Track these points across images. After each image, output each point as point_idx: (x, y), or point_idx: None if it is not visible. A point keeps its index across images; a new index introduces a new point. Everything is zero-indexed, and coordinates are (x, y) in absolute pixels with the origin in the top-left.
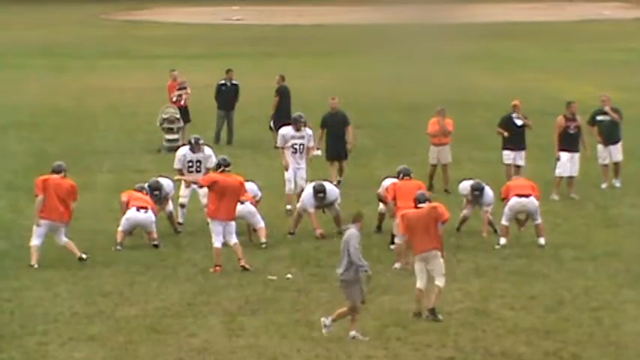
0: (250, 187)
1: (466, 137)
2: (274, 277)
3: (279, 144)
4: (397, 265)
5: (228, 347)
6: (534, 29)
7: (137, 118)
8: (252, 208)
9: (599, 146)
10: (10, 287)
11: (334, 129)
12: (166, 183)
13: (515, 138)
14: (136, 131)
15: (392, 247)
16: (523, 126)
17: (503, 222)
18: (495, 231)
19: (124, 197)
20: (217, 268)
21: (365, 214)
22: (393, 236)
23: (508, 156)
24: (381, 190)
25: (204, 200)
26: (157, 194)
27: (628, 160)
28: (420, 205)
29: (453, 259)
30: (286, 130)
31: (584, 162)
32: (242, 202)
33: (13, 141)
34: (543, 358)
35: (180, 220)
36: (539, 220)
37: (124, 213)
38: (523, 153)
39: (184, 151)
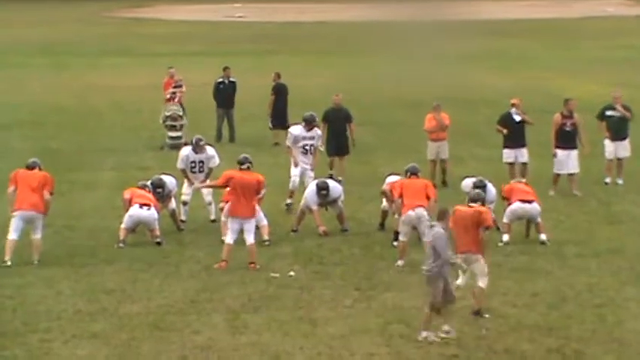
0: None
1: (469, 135)
2: (277, 275)
3: (288, 142)
4: (400, 263)
5: (231, 344)
6: (537, 27)
7: (139, 115)
8: (257, 207)
9: (607, 141)
10: (13, 284)
11: (336, 125)
12: (169, 180)
13: (514, 135)
14: (138, 129)
15: (395, 244)
16: (522, 122)
17: (505, 221)
18: (498, 228)
19: (126, 194)
20: (222, 263)
21: (367, 210)
22: (396, 233)
23: (508, 154)
24: (386, 187)
25: (207, 198)
26: (160, 192)
27: (632, 157)
28: (471, 205)
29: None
30: (298, 131)
31: (586, 159)
32: None
33: (16, 139)
34: (546, 355)
35: (183, 217)
36: (538, 220)
37: (127, 210)
38: (524, 150)
39: (187, 151)
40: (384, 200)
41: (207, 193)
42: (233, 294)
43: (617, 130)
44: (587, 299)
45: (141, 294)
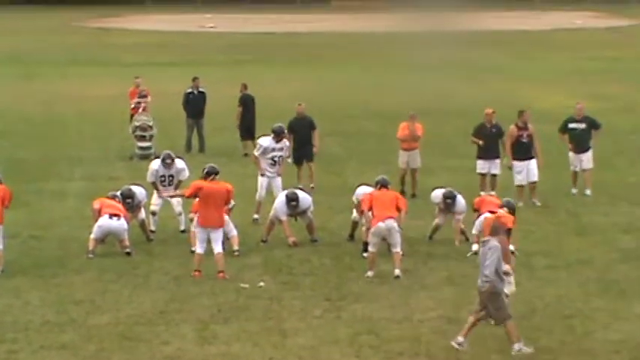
0: None
1: (439, 145)
2: (246, 285)
3: (256, 153)
4: (370, 273)
5: (200, 355)
6: (506, 38)
7: (108, 125)
8: (225, 217)
9: (570, 154)
10: None
11: (301, 134)
12: (139, 191)
13: (488, 147)
14: (108, 139)
15: (365, 255)
16: (497, 134)
17: (474, 232)
18: (467, 239)
19: (96, 205)
20: (196, 272)
21: (337, 221)
22: (365, 244)
23: (482, 166)
24: (354, 199)
25: (177, 208)
26: (130, 202)
27: (600, 168)
28: (499, 211)
29: (425, 268)
30: (267, 142)
31: (556, 170)
32: None
33: None
34: None
35: (153, 227)
36: None
37: (96, 220)
38: (497, 162)
39: (156, 165)
40: (354, 211)
41: (177, 204)
42: (202, 304)
43: (580, 142)
44: (556, 310)
45: (110, 305)
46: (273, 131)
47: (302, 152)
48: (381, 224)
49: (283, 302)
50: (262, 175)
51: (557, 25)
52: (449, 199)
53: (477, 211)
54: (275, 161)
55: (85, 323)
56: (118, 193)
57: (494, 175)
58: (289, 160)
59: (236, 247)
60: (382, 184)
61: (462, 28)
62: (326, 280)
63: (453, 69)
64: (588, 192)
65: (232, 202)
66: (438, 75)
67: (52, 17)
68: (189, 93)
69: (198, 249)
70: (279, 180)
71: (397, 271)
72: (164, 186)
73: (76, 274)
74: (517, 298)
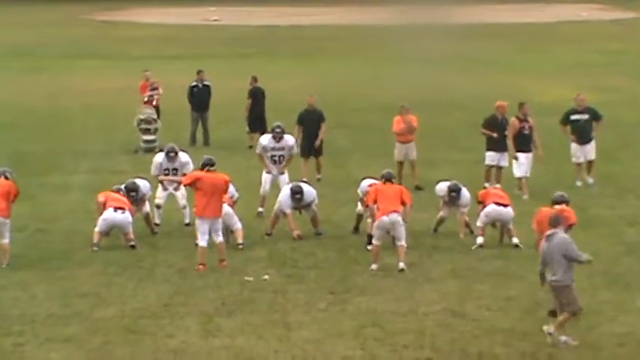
0: None
1: (442, 138)
2: (251, 279)
3: (257, 151)
4: (374, 267)
5: (205, 348)
6: (511, 31)
7: (114, 118)
8: (230, 210)
9: (574, 145)
10: None
11: (310, 127)
12: (143, 184)
13: (499, 139)
14: (112, 132)
15: (369, 247)
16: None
17: (479, 224)
18: (472, 232)
19: (100, 198)
20: (201, 266)
21: (342, 214)
22: (369, 237)
23: (492, 157)
24: (359, 193)
25: (182, 202)
26: (134, 195)
27: (606, 161)
28: (555, 206)
29: (430, 260)
30: (266, 141)
31: (559, 162)
32: None
33: None
34: (520, 359)
35: (157, 221)
36: (510, 226)
37: (101, 214)
38: (506, 154)
39: (160, 158)
40: (359, 204)
41: (181, 197)
42: (207, 297)
43: (583, 133)
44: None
45: (115, 297)
46: (272, 130)
47: (310, 146)
48: (384, 218)
49: (288, 295)
50: (268, 172)
51: (561, 18)
52: (454, 192)
53: (482, 203)
54: (275, 160)
55: (91, 316)
56: (123, 187)
57: (500, 168)
58: (296, 151)
59: (240, 241)
60: (387, 178)
61: (466, 20)
62: (330, 273)
63: (456, 62)
64: (591, 180)
65: (237, 195)
66: (441, 68)
67: (57, 10)
68: (194, 86)
69: (201, 242)
70: (285, 176)
71: (402, 264)
72: None
73: (81, 267)
74: (523, 292)
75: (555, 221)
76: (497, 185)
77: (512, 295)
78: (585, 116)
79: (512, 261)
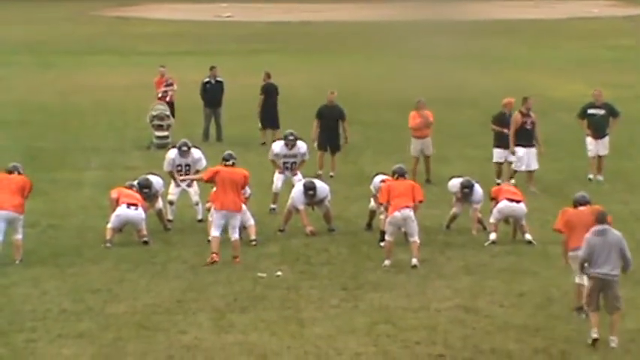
0: None
1: (455, 135)
2: (264, 275)
3: (270, 158)
4: (387, 263)
5: (217, 344)
6: (523, 27)
7: (126, 114)
8: (243, 206)
9: (589, 139)
10: None
11: (329, 122)
12: (156, 180)
13: (508, 136)
14: (125, 128)
15: (382, 244)
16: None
17: (492, 221)
18: (485, 228)
19: (113, 194)
20: (214, 255)
21: (354, 210)
22: (382, 233)
23: (499, 154)
24: (372, 189)
25: (195, 198)
26: (147, 192)
27: (617, 157)
28: (580, 208)
29: (442, 257)
30: (279, 149)
31: (573, 158)
32: None
33: (1, 138)
34: (533, 355)
35: (170, 217)
36: (523, 222)
37: (114, 210)
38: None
39: (173, 154)
40: (372, 200)
41: (194, 193)
42: (219, 294)
43: (599, 128)
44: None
45: (127, 293)
46: (284, 137)
47: (327, 141)
48: (397, 213)
49: (301, 291)
50: (280, 173)
51: (573, 14)
52: (467, 189)
53: (494, 200)
54: (287, 167)
55: (103, 312)
56: (135, 183)
57: (510, 163)
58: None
59: (253, 237)
60: (399, 174)
61: (477, 17)
62: (343, 270)
63: (468, 58)
64: (600, 178)
65: (249, 192)
66: (452, 64)
67: (68, 6)
68: (207, 82)
69: (214, 232)
70: (298, 176)
71: (414, 261)
72: (181, 175)
73: (94, 263)
74: (535, 288)
75: (603, 217)
76: (512, 181)
77: (524, 291)
78: (602, 111)
79: (525, 257)
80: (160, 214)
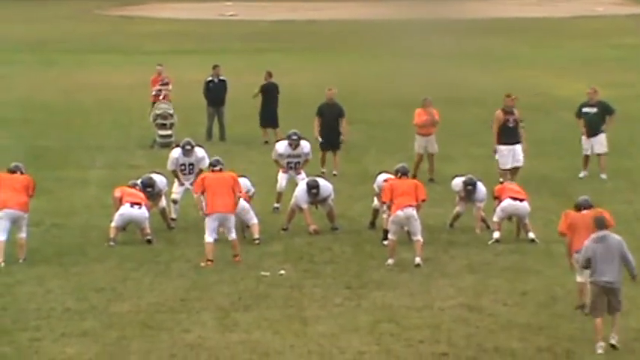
0: (243, 182)
1: (458, 133)
2: (267, 273)
3: (273, 157)
4: (390, 261)
5: (221, 343)
6: (526, 25)
7: (129, 113)
8: (246, 204)
9: (583, 137)
10: (3, 283)
11: (329, 119)
12: (159, 179)
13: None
14: (128, 127)
15: (385, 243)
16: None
17: (495, 219)
18: (488, 227)
19: (117, 193)
20: (208, 262)
21: (357, 209)
22: (385, 232)
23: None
24: (375, 187)
25: None
26: (150, 190)
27: (619, 156)
28: (583, 212)
29: (446, 255)
30: (283, 149)
31: (574, 157)
32: None
33: (3, 137)
34: (536, 353)
35: (174, 216)
36: (526, 221)
37: (117, 209)
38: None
39: (177, 153)
40: (375, 199)
41: None
42: (223, 292)
43: (591, 126)
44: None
45: (131, 292)
46: (288, 137)
47: (328, 139)
48: (400, 212)
49: (304, 290)
50: (284, 172)
51: (576, 13)
52: (470, 187)
53: (498, 198)
54: (291, 167)
55: (106, 311)
56: (139, 182)
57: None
58: (311, 157)
59: (257, 236)
60: (402, 173)
61: (480, 15)
62: (346, 268)
63: (471, 57)
64: (603, 176)
65: (253, 190)
66: (456, 63)
67: (72, 5)
68: (210, 81)
69: (208, 238)
70: (302, 174)
71: (418, 259)
72: (184, 174)
73: (97, 262)
74: (539, 286)
75: (603, 223)
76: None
77: (528, 290)
78: (594, 109)
79: (529, 256)
80: (163, 212)
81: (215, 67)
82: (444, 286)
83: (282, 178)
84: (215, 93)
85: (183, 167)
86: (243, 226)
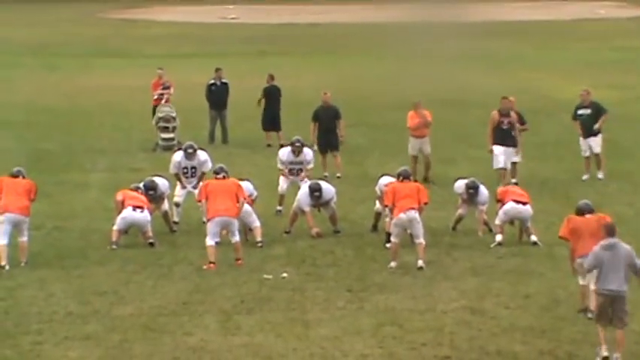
0: (246, 186)
1: (460, 136)
2: (270, 276)
3: (278, 165)
4: (392, 264)
5: (223, 346)
6: (529, 28)
7: (131, 117)
8: (248, 208)
9: (580, 139)
10: (5, 286)
11: (326, 123)
12: (161, 182)
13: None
14: (130, 130)
15: (387, 245)
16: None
17: (498, 222)
18: (491, 230)
19: (119, 196)
20: (211, 265)
21: (360, 212)
22: (388, 235)
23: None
24: (377, 190)
25: None
26: (153, 194)
27: (622, 158)
28: (586, 216)
29: (448, 258)
30: (286, 156)
31: (575, 159)
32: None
33: (6, 140)
34: (539, 356)
35: (176, 219)
36: (529, 224)
37: (120, 212)
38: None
39: (179, 157)
40: (377, 202)
41: None
42: (225, 295)
43: (586, 127)
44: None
45: (133, 295)
46: (291, 143)
47: (326, 142)
48: (402, 215)
49: (306, 293)
50: (286, 177)
51: (579, 15)
52: (472, 190)
53: (500, 201)
54: (294, 173)
55: (109, 314)
56: (141, 185)
57: (514, 163)
58: (315, 148)
59: (259, 239)
60: (404, 176)
61: (483, 18)
62: (349, 271)
63: (474, 59)
64: (600, 176)
65: (255, 193)
66: (459, 65)
67: (75, 9)
68: (212, 84)
69: (210, 241)
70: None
71: (420, 262)
72: (187, 177)
73: (99, 266)
74: (542, 289)
75: (612, 230)
76: (514, 180)
77: (530, 293)
78: (588, 111)
79: (531, 259)
80: (165, 216)
81: (217, 70)
82: (447, 289)
83: (283, 181)
84: (217, 96)
85: (185, 170)
86: (245, 229)
